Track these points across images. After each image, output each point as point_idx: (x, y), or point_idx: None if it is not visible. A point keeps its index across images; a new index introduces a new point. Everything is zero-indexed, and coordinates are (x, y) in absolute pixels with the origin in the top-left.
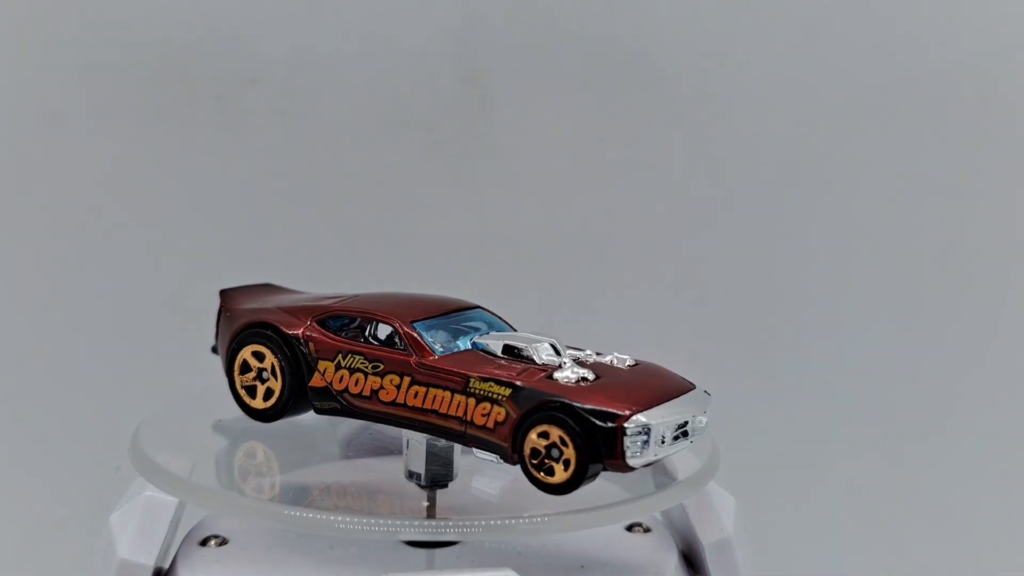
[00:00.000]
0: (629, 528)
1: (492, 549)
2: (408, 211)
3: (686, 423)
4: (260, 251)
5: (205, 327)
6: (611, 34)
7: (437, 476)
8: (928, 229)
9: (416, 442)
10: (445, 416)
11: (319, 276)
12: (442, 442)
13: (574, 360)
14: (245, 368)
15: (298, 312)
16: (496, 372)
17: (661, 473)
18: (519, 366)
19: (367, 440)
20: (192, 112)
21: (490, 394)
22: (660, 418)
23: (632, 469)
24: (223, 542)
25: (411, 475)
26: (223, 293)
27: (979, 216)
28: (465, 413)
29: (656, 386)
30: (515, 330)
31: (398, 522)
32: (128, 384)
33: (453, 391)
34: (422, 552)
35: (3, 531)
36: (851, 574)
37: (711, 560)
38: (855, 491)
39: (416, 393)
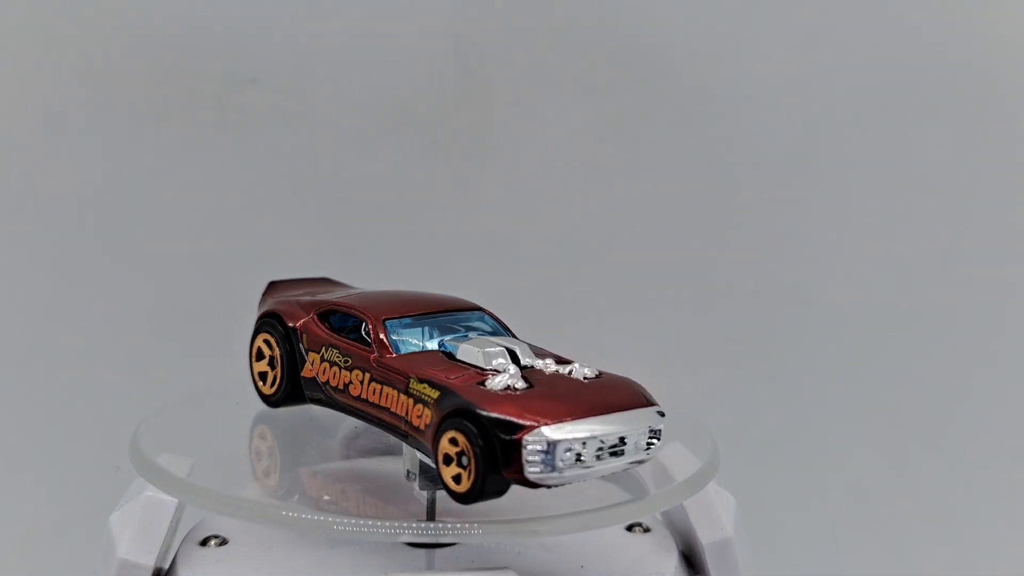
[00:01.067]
0: (629, 528)
1: (492, 549)
2: (408, 211)
3: (622, 440)
4: (260, 251)
5: (205, 327)
6: (611, 34)
7: (437, 477)
8: (929, 230)
9: None
10: (394, 415)
11: (317, 275)
12: None
13: (522, 368)
14: (260, 355)
15: (308, 306)
16: (434, 374)
17: (661, 473)
18: (463, 371)
19: (367, 440)
20: (192, 112)
21: (423, 396)
22: (576, 433)
23: (536, 485)
24: (223, 542)
25: (411, 475)
26: (271, 284)
27: (981, 217)
28: (406, 413)
29: (594, 400)
30: (510, 333)
31: (398, 524)
32: (128, 384)
33: (399, 390)
34: (422, 552)
35: (3, 531)
36: (851, 574)
37: (711, 560)
38: (855, 491)
39: (374, 390)
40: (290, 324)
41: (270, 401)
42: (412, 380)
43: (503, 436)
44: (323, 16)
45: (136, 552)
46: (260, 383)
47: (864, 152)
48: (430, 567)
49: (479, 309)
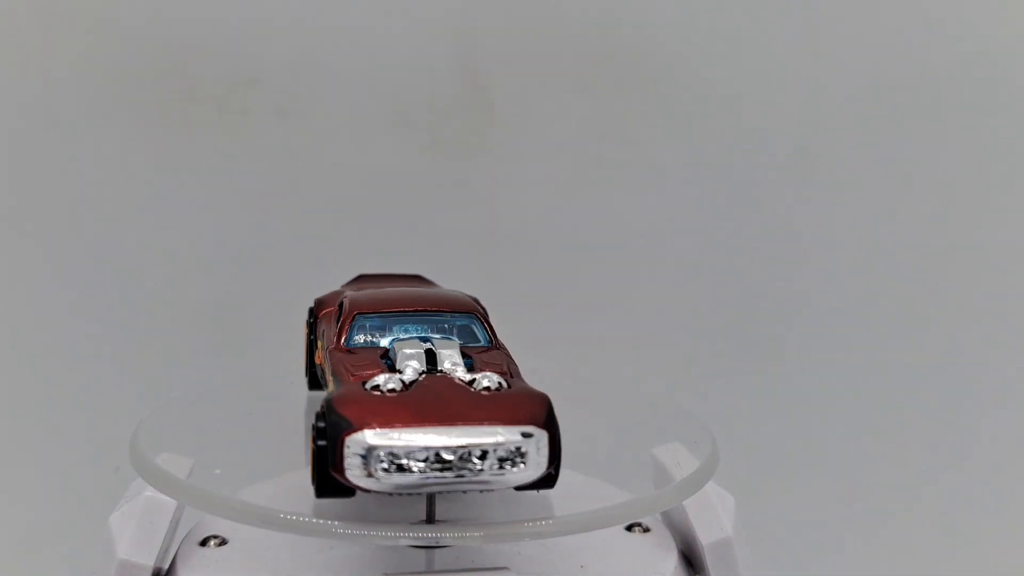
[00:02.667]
0: (629, 528)
1: (492, 549)
2: (408, 211)
3: (465, 456)
4: (260, 250)
5: (205, 327)
6: (611, 34)
7: None
8: (930, 230)
9: None
10: None
11: (318, 275)
12: None
13: (432, 372)
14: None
15: (338, 297)
16: (345, 369)
17: (660, 473)
18: (375, 370)
19: None
20: (192, 112)
21: (328, 388)
22: (400, 441)
23: (354, 489)
24: (223, 542)
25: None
26: (359, 277)
27: (982, 217)
28: None
29: (449, 411)
30: (488, 339)
31: (397, 528)
32: (128, 384)
33: (333, 380)
34: (422, 552)
35: (3, 531)
36: (851, 574)
37: (711, 560)
38: (855, 491)
39: (327, 380)
40: (318, 314)
41: (309, 383)
42: (331, 372)
43: (332, 435)
44: (323, 16)
45: (136, 552)
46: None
47: (866, 152)
48: (430, 567)
49: (472, 313)
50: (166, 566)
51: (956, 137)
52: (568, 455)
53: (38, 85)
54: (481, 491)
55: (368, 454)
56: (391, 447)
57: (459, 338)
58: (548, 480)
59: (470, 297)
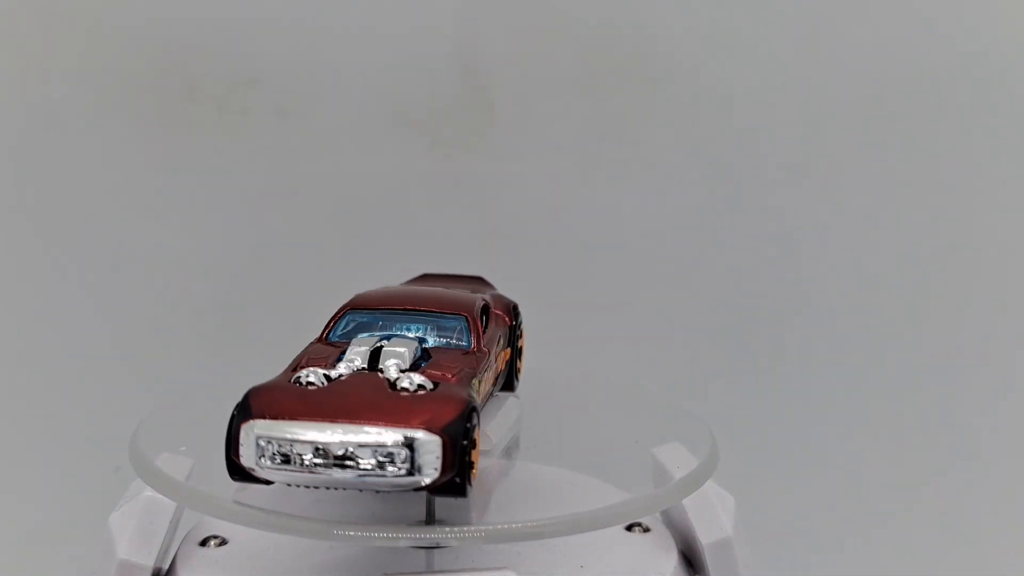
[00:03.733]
0: (629, 528)
1: (492, 549)
2: (408, 211)
3: (342, 452)
4: (260, 251)
5: (206, 326)
6: (611, 34)
7: None
8: (930, 229)
9: None
10: None
11: (318, 275)
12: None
13: (359, 368)
14: None
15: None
16: (301, 361)
17: (660, 472)
18: (323, 362)
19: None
20: (192, 112)
21: None
22: (282, 432)
23: (252, 478)
24: (223, 542)
25: None
26: (423, 276)
27: (982, 217)
28: None
29: (345, 407)
30: (468, 343)
31: (397, 529)
32: (128, 384)
33: None
34: (422, 552)
35: (3, 531)
36: (851, 574)
37: (711, 560)
38: (855, 491)
39: None
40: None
41: None
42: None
43: (233, 422)
44: (323, 16)
45: (136, 552)
46: None
47: (866, 152)
48: (430, 567)
49: (463, 314)
50: (166, 566)
51: (957, 137)
52: (568, 455)
53: (38, 85)
54: (371, 491)
55: (258, 443)
56: (276, 438)
57: (444, 339)
58: (452, 488)
59: (487, 300)
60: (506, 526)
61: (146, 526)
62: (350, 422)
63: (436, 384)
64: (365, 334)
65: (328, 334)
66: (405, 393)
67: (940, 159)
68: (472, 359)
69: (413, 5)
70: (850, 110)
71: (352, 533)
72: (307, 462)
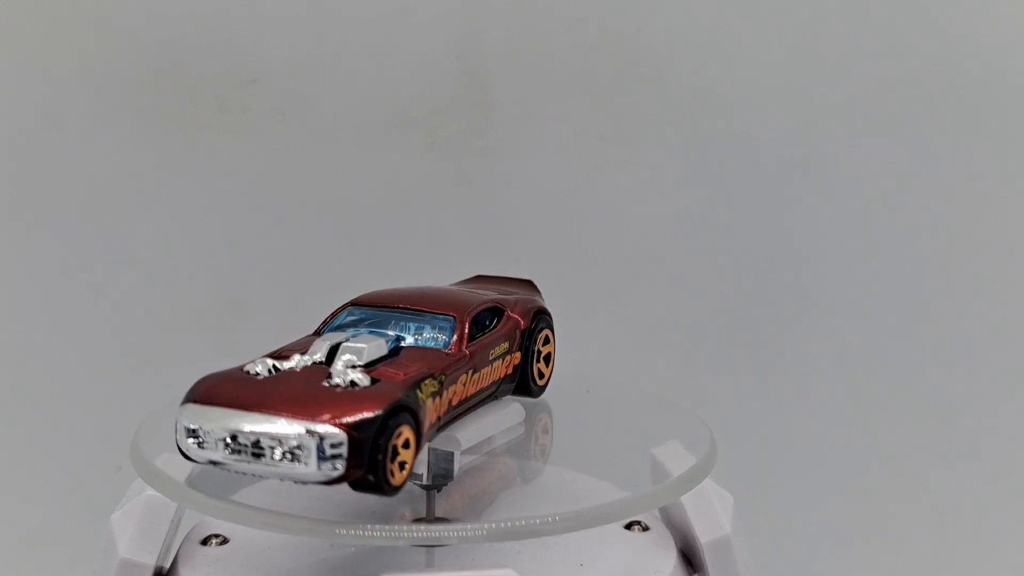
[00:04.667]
0: (628, 527)
1: (492, 548)
2: (408, 211)
3: (252, 441)
4: (260, 251)
5: (206, 326)
6: (611, 34)
7: (437, 477)
8: (930, 228)
9: None
10: None
11: (318, 275)
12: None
13: (312, 363)
14: None
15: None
16: (278, 351)
17: (658, 470)
18: (288, 357)
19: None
20: (192, 112)
21: None
22: (197, 419)
23: (189, 459)
24: (224, 541)
25: (412, 476)
26: (477, 277)
27: (983, 216)
28: None
29: (263, 398)
30: (446, 344)
31: (398, 527)
32: (128, 384)
33: None
34: (422, 551)
35: (4, 530)
36: (851, 573)
37: (710, 558)
38: (855, 490)
39: None
40: None
41: None
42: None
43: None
44: (323, 16)
45: (137, 551)
46: None
47: (865, 151)
48: (430, 565)
49: (451, 315)
50: (167, 565)
51: (957, 137)
52: (568, 454)
53: (39, 85)
54: (282, 480)
55: (186, 426)
56: (196, 423)
57: (426, 338)
58: (368, 485)
59: (497, 303)
60: (506, 524)
61: (147, 525)
62: (262, 412)
63: (375, 381)
64: (351, 330)
65: (323, 328)
66: (337, 389)
67: (939, 159)
68: (445, 360)
69: (413, 5)
70: (850, 110)
71: (352, 532)
72: (223, 448)
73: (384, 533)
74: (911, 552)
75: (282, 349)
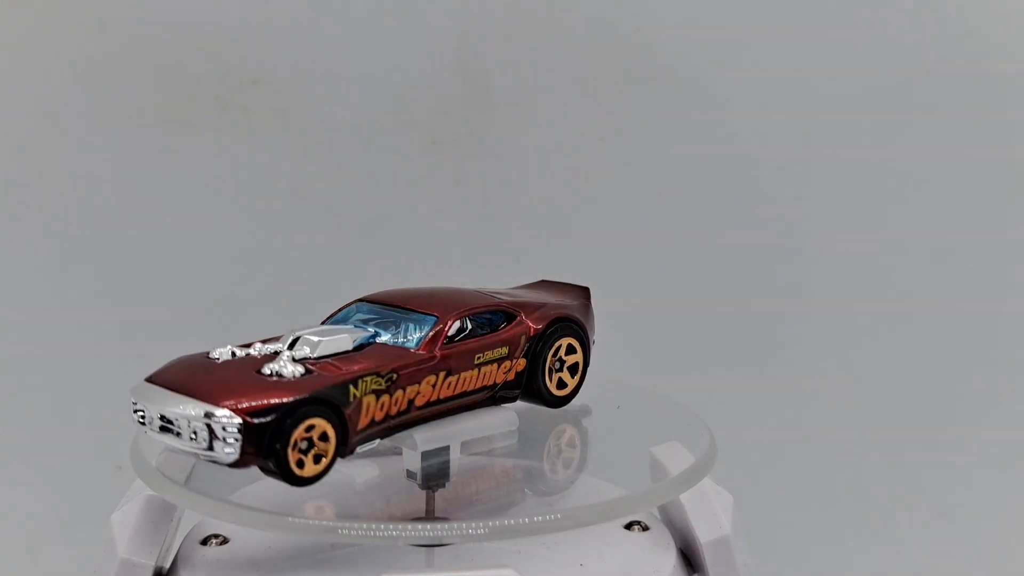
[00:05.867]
0: (628, 527)
1: (492, 548)
2: (408, 211)
3: (168, 421)
4: (261, 251)
5: (206, 327)
6: (611, 34)
7: (436, 476)
8: (930, 229)
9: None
10: None
11: (318, 275)
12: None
13: (274, 352)
14: None
15: None
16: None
17: (658, 470)
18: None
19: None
20: (194, 112)
21: None
22: (138, 397)
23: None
24: (224, 541)
25: (410, 475)
26: (541, 281)
27: (980, 215)
28: None
29: (194, 381)
30: (417, 343)
31: (399, 527)
32: (130, 383)
33: None
34: (422, 551)
35: (4, 531)
36: (851, 573)
37: (709, 558)
38: (855, 490)
39: None
40: None
41: None
42: None
43: None
44: (324, 17)
45: (137, 551)
46: None
47: (866, 151)
48: (430, 566)
49: (436, 315)
50: (167, 565)
51: (956, 137)
52: (568, 454)
53: (40, 85)
54: (210, 462)
55: (132, 403)
56: (139, 401)
57: (402, 337)
58: (271, 472)
59: (502, 306)
60: (506, 522)
61: (147, 525)
62: (184, 394)
63: (309, 372)
64: (350, 324)
65: (327, 320)
66: (266, 378)
67: (940, 159)
68: (404, 359)
69: (413, 5)
70: (849, 110)
71: (352, 532)
72: (157, 425)
73: (384, 533)
74: (911, 552)
75: (266, 338)
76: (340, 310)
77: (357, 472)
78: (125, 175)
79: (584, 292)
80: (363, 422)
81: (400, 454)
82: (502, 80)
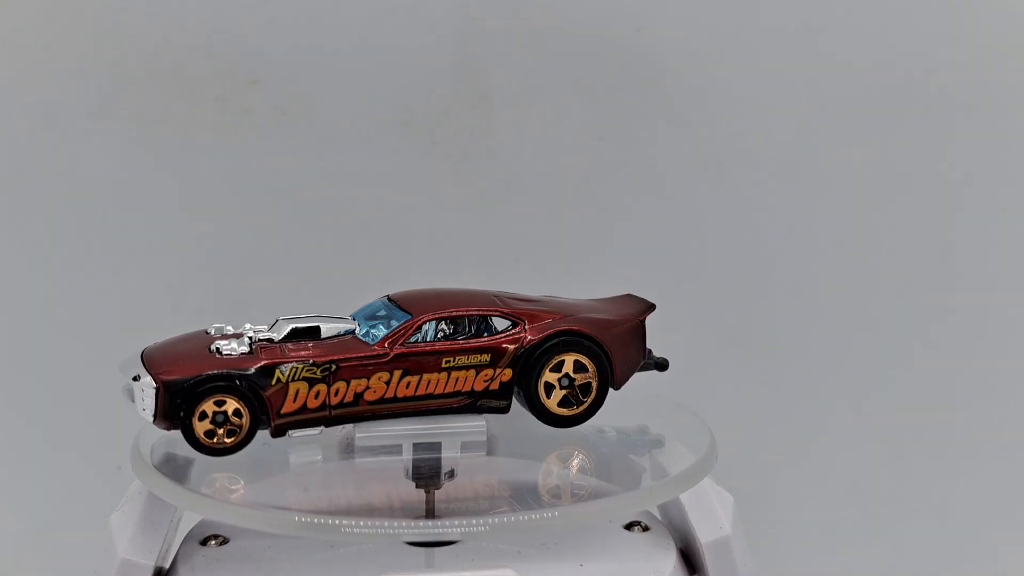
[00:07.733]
0: (628, 527)
1: (492, 548)
2: (408, 211)
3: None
4: (261, 252)
5: (207, 326)
6: (610, 34)
7: (436, 474)
8: (927, 224)
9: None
10: None
11: (318, 276)
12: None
13: (243, 333)
14: None
15: None
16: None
17: (657, 469)
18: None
19: (366, 439)
20: (193, 113)
21: None
22: (132, 370)
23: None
24: (224, 541)
25: (410, 474)
26: (626, 295)
27: (980, 215)
28: None
29: (163, 355)
30: (379, 338)
31: (401, 524)
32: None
33: None
34: (421, 551)
35: (4, 530)
36: (850, 572)
37: (709, 559)
38: (855, 491)
39: None
40: None
41: None
42: None
43: None
44: (324, 17)
45: (137, 551)
46: None
47: (865, 152)
48: (430, 566)
49: (411, 314)
50: (167, 565)
51: (957, 136)
52: (568, 454)
53: (38, 85)
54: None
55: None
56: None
57: (373, 332)
58: (187, 438)
59: (501, 307)
60: (506, 521)
61: (147, 525)
62: (142, 363)
63: (250, 352)
64: (358, 315)
65: (355, 312)
66: (209, 354)
67: (940, 159)
68: (350, 351)
69: (413, 5)
70: (849, 110)
71: (352, 531)
72: (127, 392)
73: (384, 532)
74: (911, 552)
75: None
76: (372, 303)
77: (356, 472)
78: (125, 175)
79: (648, 308)
80: (289, 407)
81: (399, 454)
82: (502, 80)
